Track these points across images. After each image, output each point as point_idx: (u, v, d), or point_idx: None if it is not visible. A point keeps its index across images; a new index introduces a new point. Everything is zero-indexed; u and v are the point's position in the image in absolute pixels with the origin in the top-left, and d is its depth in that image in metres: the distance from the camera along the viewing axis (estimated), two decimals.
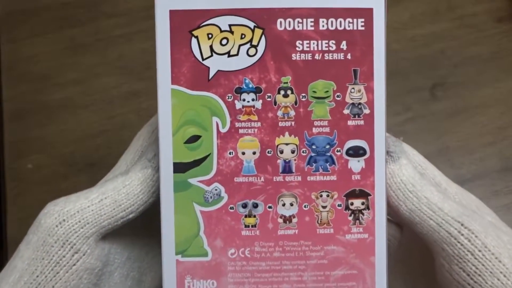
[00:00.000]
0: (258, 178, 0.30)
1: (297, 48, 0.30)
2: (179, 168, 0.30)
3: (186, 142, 0.30)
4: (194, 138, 0.30)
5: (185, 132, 0.29)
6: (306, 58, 0.29)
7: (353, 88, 0.30)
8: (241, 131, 0.30)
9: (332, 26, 0.29)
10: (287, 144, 0.30)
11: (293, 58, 0.29)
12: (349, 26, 0.29)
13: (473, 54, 0.48)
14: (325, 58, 0.29)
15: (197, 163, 0.30)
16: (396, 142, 0.35)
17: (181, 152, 0.30)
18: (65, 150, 0.46)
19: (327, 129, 0.30)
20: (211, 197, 0.28)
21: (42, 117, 0.48)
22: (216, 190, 0.30)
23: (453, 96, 0.46)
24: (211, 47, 0.29)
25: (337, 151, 0.30)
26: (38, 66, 0.48)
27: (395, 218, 0.32)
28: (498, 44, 0.49)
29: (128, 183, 0.31)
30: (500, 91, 0.47)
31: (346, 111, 0.30)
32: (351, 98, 0.30)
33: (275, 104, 0.30)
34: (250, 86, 0.30)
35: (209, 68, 0.29)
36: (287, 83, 0.30)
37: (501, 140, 0.45)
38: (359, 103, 0.30)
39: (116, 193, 0.30)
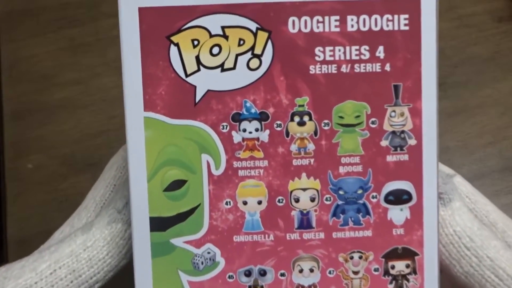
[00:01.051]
0: (266, 236, 0.35)
1: (316, 58, 0.34)
2: (158, 224, 0.35)
3: (166, 190, 0.34)
4: (177, 184, 0.35)
5: (164, 176, 0.34)
6: (330, 71, 0.34)
7: (393, 111, 0.35)
8: (241, 173, 0.35)
9: (364, 26, 0.34)
10: (304, 189, 0.35)
11: (311, 72, 0.34)
12: (387, 26, 0.34)
13: (473, 54, 0.64)
14: (355, 71, 0.34)
15: (182, 217, 0.35)
16: (447, 178, 0.38)
17: (160, 203, 0.34)
18: (65, 150, 0.62)
19: (359, 168, 0.35)
20: (202, 263, 0.33)
21: (42, 117, 0.64)
22: (209, 253, 0.34)
23: (453, 96, 0.62)
24: (197, 58, 0.34)
25: (373, 197, 0.35)
26: (38, 66, 0.65)
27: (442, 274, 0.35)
28: (498, 44, 0.65)
29: (90, 245, 0.35)
30: (500, 91, 0.63)
31: (384, 143, 0.34)
32: (391, 125, 0.35)
33: (288, 135, 0.34)
34: (253, 111, 0.33)
35: (195, 87, 0.34)
36: (303, 106, 0.34)
37: (501, 140, 0.60)
38: (402, 131, 0.34)
39: (74, 260, 0.34)
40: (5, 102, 0.65)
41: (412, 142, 0.37)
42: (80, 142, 0.65)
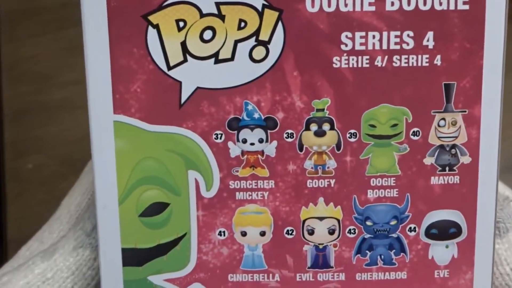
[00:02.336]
0: (270, 276, 0.30)
1: (343, 47, 0.28)
2: (133, 258, 0.29)
3: (143, 215, 0.29)
4: (157, 208, 0.29)
5: (140, 197, 0.29)
6: (360, 65, 0.28)
7: (443, 119, 0.28)
8: (239, 196, 0.29)
9: (409, 4, 0.27)
10: (321, 218, 0.29)
11: (335, 65, 0.28)
12: (440, 4, 0.28)
13: None
14: (394, 65, 0.28)
15: (163, 250, 0.30)
16: (504, 202, 0.33)
17: (136, 232, 0.29)
18: (65, 150, 0.62)
19: (394, 193, 0.29)
20: None
21: (42, 117, 0.64)
22: None
23: None
24: (183, 45, 0.28)
25: (410, 230, 0.30)
26: (38, 66, 0.65)
27: None
28: None
29: (51, 276, 0.31)
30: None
31: (428, 160, 0.29)
32: (439, 138, 0.29)
33: (301, 149, 0.28)
34: (256, 116, 0.28)
35: (180, 83, 0.28)
36: (323, 110, 0.28)
37: (502, 140, 0.63)
38: (453, 146, 0.29)
39: None
40: (5, 102, 0.64)
41: (465, 160, 0.29)
42: (80, 142, 0.60)
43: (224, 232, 0.29)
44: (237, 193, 0.29)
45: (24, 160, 0.63)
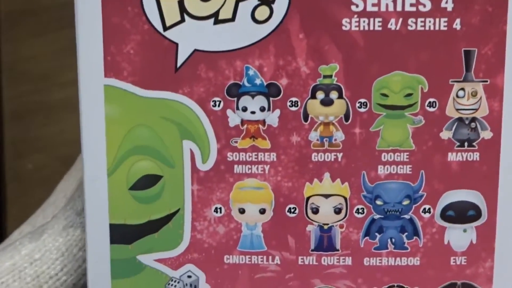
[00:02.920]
0: (270, 258, 0.28)
1: (353, 7, 0.26)
2: (122, 235, 0.28)
3: (133, 188, 0.28)
4: (149, 181, 0.28)
5: (131, 168, 0.27)
6: (371, 28, 0.26)
7: (462, 89, 0.27)
8: (238, 169, 0.27)
9: None
10: (327, 196, 0.27)
11: (344, 28, 0.26)
12: None
13: None
14: (409, 29, 0.26)
15: (154, 227, 0.28)
16: None
17: (125, 207, 0.28)
18: (65, 150, 0.58)
19: (407, 169, 0.27)
20: None
21: (42, 117, 0.64)
22: (189, 277, 0.28)
23: None
24: (181, 3, 0.26)
25: (425, 211, 0.28)
26: (38, 66, 0.65)
27: None
28: None
29: (39, 257, 0.30)
30: None
31: (445, 134, 0.27)
32: (458, 109, 0.27)
33: (306, 119, 0.27)
34: (258, 82, 0.26)
35: (177, 45, 0.27)
36: (331, 77, 0.26)
37: None
38: (473, 119, 0.27)
39: (17, 278, 0.29)
40: (5, 102, 0.63)
41: (486, 134, 0.27)
42: (80, 142, 0.67)
43: (220, 208, 0.27)
44: (235, 166, 0.27)
45: (24, 160, 0.63)
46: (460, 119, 0.26)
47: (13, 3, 0.67)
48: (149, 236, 0.27)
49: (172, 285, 0.28)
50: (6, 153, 0.63)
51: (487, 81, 0.26)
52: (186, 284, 0.28)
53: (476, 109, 0.26)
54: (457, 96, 0.26)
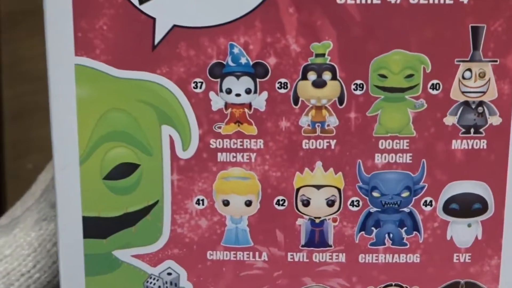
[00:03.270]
0: (257, 254, 0.26)
1: None
2: (96, 229, 0.26)
3: (108, 178, 0.26)
4: (125, 170, 0.26)
5: (106, 156, 0.26)
6: (369, 1, 0.24)
7: (468, 70, 0.25)
8: (222, 157, 0.26)
9: None
10: (319, 187, 0.26)
11: (339, 1, 0.24)
12: None
13: None
14: (411, 2, 0.24)
15: (131, 220, 0.26)
16: None
17: (99, 198, 0.26)
18: None
19: (407, 158, 0.26)
20: None
21: (42, 117, 0.71)
22: (169, 274, 0.27)
23: None
24: None
25: (426, 203, 0.26)
26: (38, 66, 0.59)
27: None
28: None
29: (9, 253, 0.29)
30: None
31: (450, 120, 0.25)
32: (464, 92, 0.25)
33: (297, 102, 0.25)
34: (243, 61, 0.25)
35: (154, 20, 0.25)
36: (324, 55, 0.25)
37: None
38: (480, 103, 0.25)
39: None
40: (5, 102, 0.63)
41: (494, 120, 0.24)
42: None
43: (203, 200, 0.25)
44: (219, 154, 0.25)
45: (24, 160, 0.63)
46: (466, 103, 0.24)
47: (13, 3, 0.67)
48: (126, 230, 0.26)
49: (151, 282, 0.26)
50: (6, 153, 0.64)
51: (496, 61, 0.24)
52: (166, 282, 0.26)
53: (484, 92, 0.24)
54: (463, 78, 0.24)
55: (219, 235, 0.25)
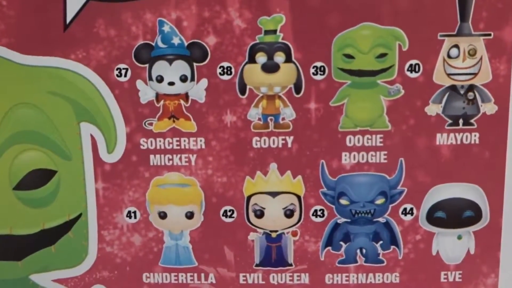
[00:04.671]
0: (203, 276, 0.24)
1: None
2: (8, 248, 0.23)
3: (19, 187, 0.23)
4: (39, 177, 0.23)
5: (15, 161, 0.23)
6: None
7: (455, 47, 0.21)
8: (155, 160, 0.23)
9: None
10: (274, 194, 0.23)
11: None
12: None
13: None
14: None
15: (49, 237, 0.24)
16: None
17: (10, 212, 0.23)
18: None
19: (381, 157, 0.23)
20: None
21: None
22: None
23: None
24: None
25: (405, 212, 0.23)
26: None
27: None
28: None
29: None
30: None
31: (433, 109, 0.22)
32: (450, 75, 0.22)
33: (243, 91, 0.22)
34: (176, 42, 0.22)
35: None
36: (275, 32, 0.22)
37: None
38: (471, 88, 0.22)
39: None
40: None
41: (489, 108, 0.20)
42: None
43: (134, 212, 0.22)
44: (151, 156, 0.21)
45: None
46: (452, 88, 0.21)
47: None
48: (44, 249, 0.22)
49: None
50: None
51: (490, 35, 0.20)
52: None
53: (475, 74, 0.20)
54: (449, 56, 0.20)
55: (156, 254, 0.22)
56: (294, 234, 0.22)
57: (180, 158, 0.21)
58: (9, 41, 0.21)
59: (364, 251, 0.22)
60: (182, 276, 0.22)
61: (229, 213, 0.21)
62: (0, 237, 0.22)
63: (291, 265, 0.22)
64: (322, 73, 0.20)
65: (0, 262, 0.22)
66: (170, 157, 0.21)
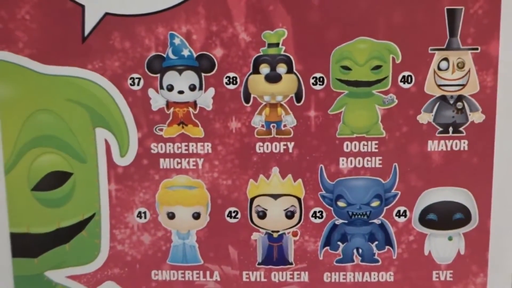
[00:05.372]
0: (208, 274, 0.24)
1: None
2: (25, 246, 0.24)
3: (37, 189, 0.23)
4: (56, 179, 0.24)
5: (34, 164, 0.23)
6: None
7: (445, 60, 0.22)
8: (164, 163, 0.23)
9: None
10: (276, 196, 0.23)
11: None
12: None
13: None
14: None
15: (64, 236, 0.24)
16: None
17: (28, 211, 0.24)
18: None
19: (377, 162, 0.23)
20: None
21: None
22: None
23: None
24: None
25: (399, 214, 0.23)
26: None
27: None
28: None
29: None
30: None
31: (425, 118, 0.23)
32: (440, 86, 0.22)
33: (248, 100, 0.23)
34: (186, 53, 0.22)
35: (83, 7, 0.22)
36: (277, 45, 0.22)
37: None
38: (460, 98, 0.23)
39: None
40: None
41: (476, 117, 0.21)
42: None
43: (145, 213, 0.22)
44: (161, 160, 0.22)
45: None
46: (443, 98, 0.21)
47: None
48: (59, 247, 0.23)
49: None
50: None
51: (477, 49, 0.21)
52: None
53: (464, 85, 0.21)
54: (439, 69, 0.21)
55: (165, 253, 0.22)
56: (295, 234, 0.22)
57: (188, 162, 0.22)
58: (31, 52, 0.22)
59: (360, 251, 0.22)
60: (188, 273, 0.23)
61: (233, 214, 0.22)
62: (18, 235, 0.23)
63: (291, 263, 0.23)
64: (321, 83, 0.22)
65: (18, 259, 0.23)
66: (179, 160, 0.22)
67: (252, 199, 0.22)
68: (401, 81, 0.21)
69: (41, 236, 0.23)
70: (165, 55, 0.21)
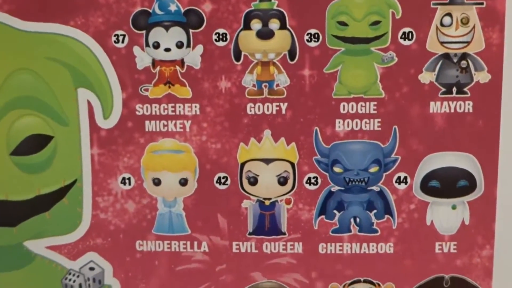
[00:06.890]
0: (195, 244, 0.23)
1: None
2: (3, 215, 0.23)
3: (16, 153, 0.23)
4: (36, 143, 0.23)
5: (13, 127, 0.23)
6: None
7: (448, 15, 0.21)
8: (150, 126, 0.23)
9: None
10: (268, 161, 0.23)
11: None
12: None
13: None
14: None
15: (44, 204, 0.23)
16: None
17: (6, 177, 0.23)
18: None
19: (375, 125, 0.22)
20: (80, 286, 0.23)
21: None
22: (92, 269, 0.24)
23: None
24: None
25: (399, 180, 0.23)
26: None
27: None
28: None
29: None
30: None
31: (427, 77, 0.22)
32: (443, 43, 0.22)
33: (239, 58, 0.22)
34: (173, 9, 0.22)
35: None
36: None
37: None
38: (464, 56, 0.22)
39: None
40: None
41: (482, 77, 0.20)
42: None
43: (129, 179, 0.21)
44: (146, 122, 0.21)
45: None
46: (446, 56, 0.21)
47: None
48: (39, 216, 0.22)
49: (70, 279, 0.22)
50: None
51: (482, 4, 0.20)
52: (88, 279, 0.22)
53: (468, 42, 0.20)
54: (442, 25, 0.20)
55: (150, 221, 0.22)
56: (288, 202, 0.21)
57: (175, 124, 0.21)
58: (10, 7, 0.21)
59: (358, 220, 0.21)
60: (175, 244, 0.22)
61: (222, 180, 0.21)
62: None
63: (284, 233, 0.22)
64: (316, 40, 0.21)
65: None
66: (165, 123, 0.21)
67: (243, 164, 0.21)
68: (401, 37, 0.20)
69: (20, 204, 0.22)
70: (150, 11, 0.20)
